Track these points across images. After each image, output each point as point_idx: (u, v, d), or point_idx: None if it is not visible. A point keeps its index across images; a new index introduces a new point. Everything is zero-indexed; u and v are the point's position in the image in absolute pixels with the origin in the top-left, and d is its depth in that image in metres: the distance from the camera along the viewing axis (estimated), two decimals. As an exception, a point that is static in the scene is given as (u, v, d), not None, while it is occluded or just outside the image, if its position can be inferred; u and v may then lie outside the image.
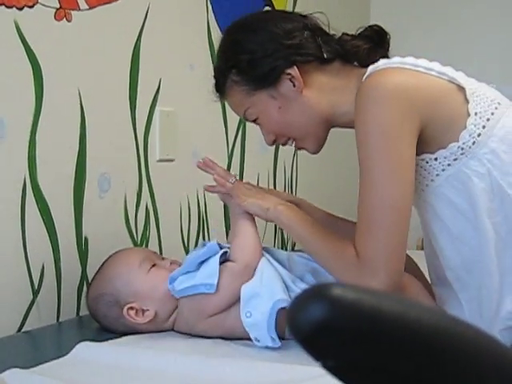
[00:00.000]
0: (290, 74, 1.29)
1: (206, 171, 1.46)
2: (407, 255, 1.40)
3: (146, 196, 1.76)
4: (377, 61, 1.28)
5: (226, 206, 2.07)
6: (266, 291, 1.23)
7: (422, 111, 1.17)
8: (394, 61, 1.23)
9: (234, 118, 2.09)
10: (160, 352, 1.18)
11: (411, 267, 1.40)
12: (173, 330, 1.34)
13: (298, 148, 1.40)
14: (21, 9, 1.41)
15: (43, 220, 1.47)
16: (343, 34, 1.35)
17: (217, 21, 2.00)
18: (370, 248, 1.16)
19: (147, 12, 1.74)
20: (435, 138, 1.18)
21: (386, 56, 1.31)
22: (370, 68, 1.23)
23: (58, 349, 1.27)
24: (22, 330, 1.42)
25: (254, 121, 1.37)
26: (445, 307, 1.27)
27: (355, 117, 1.20)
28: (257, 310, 1.22)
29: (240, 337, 1.26)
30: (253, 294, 1.23)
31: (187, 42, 1.90)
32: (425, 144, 1.19)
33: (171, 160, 1.85)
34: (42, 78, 1.45)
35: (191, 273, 1.29)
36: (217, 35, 1.97)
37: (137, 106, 1.72)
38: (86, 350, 1.18)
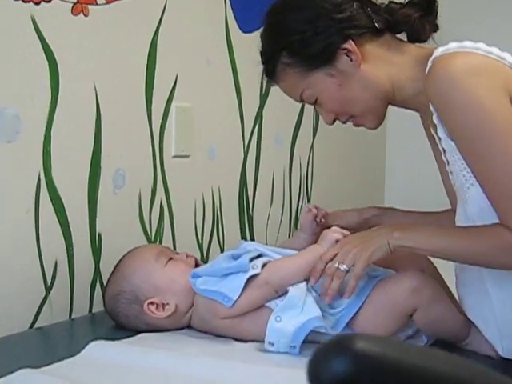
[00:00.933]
0: (346, 48, 1.24)
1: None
2: (427, 258, 1.39)
3: (161, 192, 1.75)
4: (426, 30, 1.26)
5: (241, 205, 2.06)
6: (305, 307, 1.21)
7: (506, 89, 1.13)
8: (467, 45, 1.18)
9: (250, 114, 2.08)
10: (172, 353, 1.17)
11: (430, 269, 1.39)
12: (189, 326, 1.33)
13: (356, 125, 1.34)
14: (38, 3, 1.40)
15: (57, 216, 1.46)
16: (390, 2, 1.30)
17: (234, 15, 1.98)
18: None
19: (165, 6, 1.72)
20: None
21: (436, 24, 1.28)
22: (440, 50, 1.18)
23: (70, 346, 1.27)
24: (35, 326, 1.41)
25: (313, 103, 1.31)
26: (469, 309, 1.25)
27: (439, 106, 1.15)
28: (288, 319, 1.20)
29: (252, 339, 1.25)
30: (293, 305, 1.21)
31: (204, 36, 1.88)
32: None
33: (186, 156, 1.83)
34: (58, 73, 1.44)
35: (216, 278, 1.27)
36: (234, 30, 1.98)
37: (153, 102, 1.70)
38: (97, 349, 1.17)
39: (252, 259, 1.28)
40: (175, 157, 1.79)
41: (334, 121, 1.33)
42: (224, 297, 1.24)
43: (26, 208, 1.40)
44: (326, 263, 1.22)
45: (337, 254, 1.22)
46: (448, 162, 1.23)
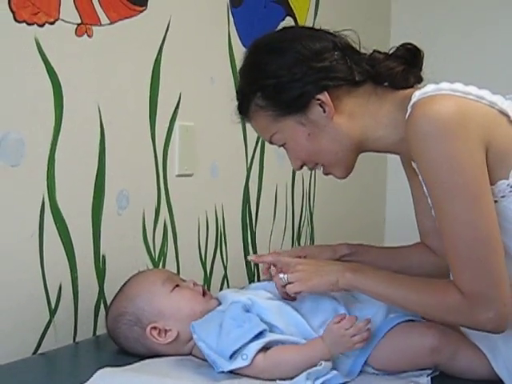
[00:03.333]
0: (320, 99, 1.22)
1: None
2: None
3: (165, 211, 1.74)
4: (409, 82, 1.24)
5: (243, 222, 2.06)
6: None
7: (482, 140, 1.11)
8: (444, 87, 1.15)
9: (253, 131, 2.06)
10: (178, 382, 1.16)
11: None
12: (191, 354, 1.32)
13: (325, 174, 1.34)
14: (42, 25, 1.39)
15: (61, 239, 1.45)
16: (374, 51, 1.28)
17: (238, 33, 1.97)
18: (474, 283, 1.10)
19: (168, 25, 1.71)
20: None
21: (420, 76, 1.26)
22: (418, 94, 1.16)
23: (75, 373, 1.26)
24: (39, 350, 1.40)
25: (282, 145, 1.31)
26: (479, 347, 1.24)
27: (415, 152, 1.13)
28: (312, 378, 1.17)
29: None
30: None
31: (208, 55, 1.88)
32: None
33: (190, 175, 1.83)
34: (62, 96, 1.43)
35: (216, 328, 1.23)
36: (238, 48, 1.98)
37: (156, 121, 1.70)
38: (104, 377, 1.16)
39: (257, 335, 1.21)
40: (179, 176, 1.78)
41: (301, 167, 1.33)
42: (215, 364, 1.19)
43: (31, 232, 1.39)
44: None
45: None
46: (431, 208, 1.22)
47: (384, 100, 1.25)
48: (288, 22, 2.20)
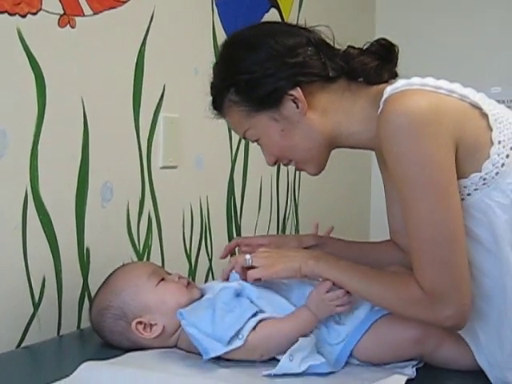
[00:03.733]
0: (293, 95, 1.21)
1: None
2: None
3: (149, 204, 1.73)
4: (383, 77, 1.23)
5: (228, 214, 2.05)
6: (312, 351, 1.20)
7: (453, 135, 1.11)
8: (415, 82, 1.15)
9: (237, 122, 2.07)
10: (162, 375, 1.15)
11: None
12: (175, 346, 1.32)
13: (297, 169, 1.33)
14: (24, 16, 1.38)
15: (44, 231, 1.44)
16: (349, 47, 1.28)
17: (222, 24, 1.96)
18: (435, 281, 1.11)
19: (152, 16, 1.70)
20: (457, 167, 1.12)
21: (394, 72, 1.26)
22: (389, 90, 1.15)
23: (60, 367, 1.26)
24: (23, 344, 1.40)
25: (255, 141, 1.31)
26: (463, 338, 1.24)
27: (385, 147, 1.13)
28: (299, 360, 1.18)
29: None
30: (303, 348, 1.19)
31: (192, 46, 1.87)
32: None
33: (174, 167, 1.82)
34: (44, 87, 1.42)
35: (207, 312, 1.22)
36: (222, 39, 1.94)
37: (140, 113, 1.69)
38: (88, 371, 1.15)
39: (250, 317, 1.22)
40: (163, 168, 1.77)
41: (275, 162, 1.32)
42: (205, 351, 1.19)
43: (14, 224, 1.38)
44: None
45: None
46: None
47: (358, 96, 1.24)
48: (272, 13, 2.19)
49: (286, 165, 1.33)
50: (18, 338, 1.39)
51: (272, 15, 2.18)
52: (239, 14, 2.04)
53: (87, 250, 1.55)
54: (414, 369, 1.23)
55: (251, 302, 1.25)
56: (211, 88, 1.33)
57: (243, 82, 1.24)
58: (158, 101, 1.74)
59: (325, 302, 1.21)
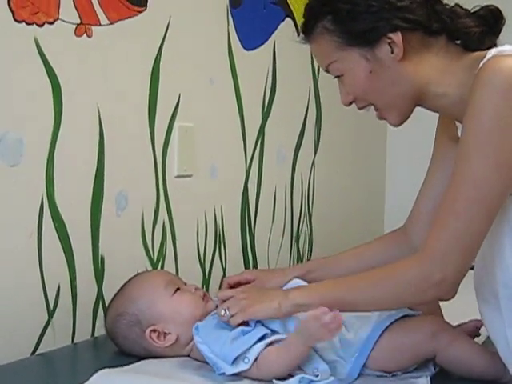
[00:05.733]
0: (391, 38, 1.17)
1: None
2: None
3: (163, 213, 1.73)
4: (484, 45, 1.19)
5: (242, 224, 2.05)
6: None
7: None
8: None
9: (252, 131, 2.08)
10: (178, 383, 1.15)
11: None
12: (189, 356, 1.31)
13: (379, 118, 1.28)
14: (41, 25, 1.39)
15: (60, 239, 1.45)
16: (456, 5, 1.22)
17: (237, 34, 1.97)
18: (444, 239, 1.09)
19: (168, 26, 1.71)
20: None
21: (494, 42, 1.22)
22: (493, 51, 1.12)
23: (74, 374, 1.27)
24: (37, 351, 1.40)
25: (337, 77, 1.25)
26: (488, 327, 1.22)
27: (471, 97, 1.09)
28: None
29: None
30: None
31: (207, 55, 1.87)
32: None
33: (189, 176, 1.82)
34: (61, 96, 1.43)
35: (217, 332, 1.23)
36: (237, 49, 1.98)
37: (156, 122, 1.69)
38: (103, 378, 1.16)
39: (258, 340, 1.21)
40: (178, 177, 1.78)
41: (350, 103, 1.28)
42: (216, 367, 1.19)
43: (29, 232, 1.39)
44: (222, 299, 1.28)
45: (231, 297, 1.27)
46: None
47: (455, 58, 1.21)
48: (287, 23, 2.20)
49: (360, 108, 1.29)
50: (32, 346, 1.40)
51: (286, 25, 2.18)
52: (254, 23, 2.04)
53: (102, 258, 1.55)
54: (429, 378, 1.22)
55: (263, 324, 1.24)
56: (306, 9, 1.27)
57: (344, 11, 1.19)
58: (173, 110, 1.75)
59: (318, 329, 1.14)
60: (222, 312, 1.24)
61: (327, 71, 1.27)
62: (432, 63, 1.21)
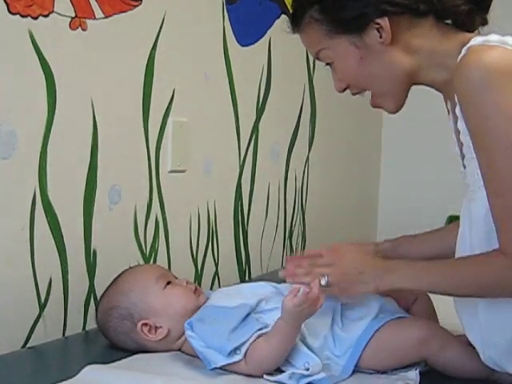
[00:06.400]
0: (379, 23, 1.18)
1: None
2: (428, 296, 1.39)
3: (157, 207, 1.73)
4: (475, 23, 1.20)
5: (236, 219, 2.05)
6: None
7: None
8: (508, 41, 1.11)
9: (246, 127, 2.08)
10: (167, 378, 1.15)
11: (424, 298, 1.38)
12: (180, 350, 1.32)
13: (374, 106, 1.28)
14: (36, 18, 1.38)
15: (52, 233, 1.44)
16: None
17: (233, 30, 1.97)
18: None
19: (163, 21, 1.71)
20: None
21: (486, 19, 1.23)
22: (478, 39, 1.12)
23: (64, 368, 1.27)
24: (28, 344, 1.40)
25: (328, 64, 1.26)
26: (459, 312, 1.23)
27: (463, 96, 1.09)
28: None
29: None
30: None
31: (202, 51, 1.87)
32: None
33: (183, 171, 1.82)
34: (55, 89, 1.43)
35: (212, 321, 1.24)
36: (233, 44, 1.98)
37: (150, 117, 1.69)
38: (92, 374, 1.15)
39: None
40: (171, 172, 1.77)
41: (344, 90, 1.28)
42: (207, 362, 1.20)
43: (21, 225, 1.38)
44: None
45: (331, 264, 1.27)
46: (464, 157, 1.19)
47: (445, 37, 1.21)
48: (283, 19, 2.19)
49: (354, 94, 1.29)
50: (23, 339, 1.40)
51: (282, 21, 2.17)
52: (250, 20, 2.04)
53: (94, 252, 1.55)
54: (418, 371, 1.23)
55: (264, 321, 1.24)
56: (293, 1, 1.28)
57: (330, 0, 1.20)
58: (167, 105, 1.75)
59: (296, 309, 1.16)
60: (323, 280, 1.23)
61: (318, 59, 1.28)
62: (421, 45, 1.21)
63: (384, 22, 1.18)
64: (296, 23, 1.27)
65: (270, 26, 2.14)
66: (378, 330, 1.25)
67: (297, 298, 1.16)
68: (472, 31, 1.21)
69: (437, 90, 1.27)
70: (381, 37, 1.19)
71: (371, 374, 1.25)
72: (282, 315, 1.19)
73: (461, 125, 1.15)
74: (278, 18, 2.18)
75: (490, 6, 1.23)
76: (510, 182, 1.07)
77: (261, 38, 2.12)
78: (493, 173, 1.09)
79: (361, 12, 1.18)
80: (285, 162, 2.31)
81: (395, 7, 1.18)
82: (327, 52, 1.24)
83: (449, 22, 1.23)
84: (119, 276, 1.37)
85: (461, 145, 1.18)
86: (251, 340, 1.20)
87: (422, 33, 1.21)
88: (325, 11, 1.21)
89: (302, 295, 1.16)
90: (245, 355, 1.19)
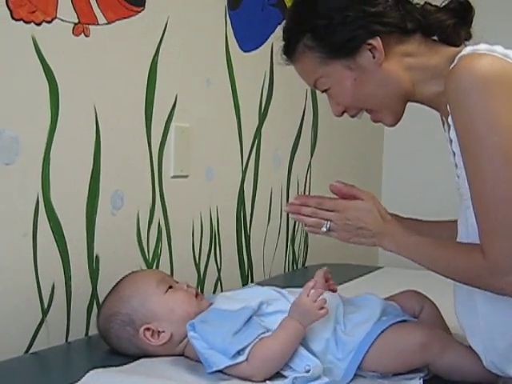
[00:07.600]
0: (371, 44, 1.20)
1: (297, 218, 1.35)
2: (430, 300, 1.39)
3: (159, 213, 1.73)
4: (461, 36, 1.23)
5: (238, 225, 2.05)
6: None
7: None
8: (496, 49, 1.13)
9: (248, 133, 2.08)
10: (170, 383, 1.15)
11: (429, 305, 1.38)
12: (182, 354, 1.32)
13: (374, 120, 1.30)
14: (39, 24, 1.39)
15: (55, 238, 1.45)
16: (426, 3, 1.27)
17: (235, 35, 1.98)
18: (499, 248, 1.08)
19: (165, 27, 1.71)
20: None
21: (469, 33, 1.25)
22: (468, 49, 1.15)
23: (67, 373, 1.26)
24: (31, 350, 1.40)
25: (325, 91, 1.29)
26: (458, 300, 1.24)
27: (453, 104, 1.12)
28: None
29: None
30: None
31: (205, 56, 1.88)
32: None
33: (185, 176, 1.82)
34: (58, 95, 1.43)
35: (216, 323, 1.24)
36: (235, 50, 1.98)
37: (152, 122, 1.69)
38: (96, 378, 1.15)
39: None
40: (174, 177, 1.78)
41: (342, 113, 1.30)
42: (208, 365, 1.20)
43: (24, 231, 1.39)
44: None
45: (333, 212, 1.29)
46: (456, 166, 1.20)
47: (434, 52, 1.23)
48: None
49: (352, 116, 1.31)
50: (26, 344, 1.40)
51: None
52: (252, 25, 2.05)
53: (97, 257, 1.55)
54: (421, 381, 1.22)
55: (266, 326, 1.25)
56: (284, 32, 1.30)
57: (321, 27, 1.22)
58: (169, 110, 1.75)
59: (307, 309, 1.20)
60: (324, 227, 1.28)
61: (315, 87, 1.30)
62: (413, 61, 1.23)
63: (376, 41, 1.20)
64: (290, 53, 1.29)
65: (272, 31, 2.14)
66: (381, 333, 1.25)
67: (311, 293, 1.21)
68: (458, 45, 1.24)
69: (432, 107, 1.29)
70: (374, 57, 1.21)
71: (373, 379, 1.25)
72: (290, 314, 1.21)
73: (453, 134, 1.16)
74: (280, 23, 2.18)
75: (472, 20, 1.26)
76: (492, 185, 1.08)
77: (263, 43, 2.12)
78: (476, 175, 1.11)
79: (353, 34, 1.20)
80: (287, 168, 2.31)
81: (385, 27, 1.21)
82: (324, 79, 1.26)
83: (435, 38, 1.26)
84: (119, 282, 1.37)
85: (453, 154, 1.19)
86: (254, 343, 1.20)
87: (411, 49, 1.23)
88: (317, 38, 1.23)
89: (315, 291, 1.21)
90: (247, 357, 1.19)
